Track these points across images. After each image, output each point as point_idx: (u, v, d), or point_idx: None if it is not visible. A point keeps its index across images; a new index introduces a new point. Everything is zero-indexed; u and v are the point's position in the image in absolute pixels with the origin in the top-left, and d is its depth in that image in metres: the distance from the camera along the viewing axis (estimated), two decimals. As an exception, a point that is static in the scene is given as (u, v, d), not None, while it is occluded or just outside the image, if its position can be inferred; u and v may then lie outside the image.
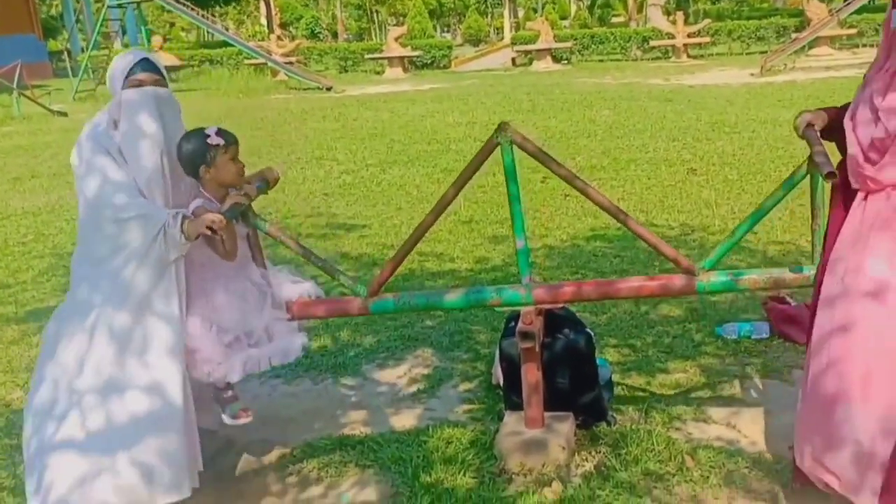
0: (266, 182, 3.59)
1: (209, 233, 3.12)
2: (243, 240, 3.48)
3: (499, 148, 3.31)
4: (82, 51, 34.35)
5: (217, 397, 3.50)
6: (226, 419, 3.49)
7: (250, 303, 3.43)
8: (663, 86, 19.18)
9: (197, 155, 3.27)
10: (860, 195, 2.87)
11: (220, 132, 3.30)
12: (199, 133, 3.29)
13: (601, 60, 29.63)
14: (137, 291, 3.15)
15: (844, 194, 2.93)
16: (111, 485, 3.09)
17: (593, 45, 30.98)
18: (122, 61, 3.27)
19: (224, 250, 3.33)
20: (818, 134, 3.02)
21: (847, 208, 2.91)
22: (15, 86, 22.19)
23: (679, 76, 21.34)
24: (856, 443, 2.70)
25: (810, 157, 2.99)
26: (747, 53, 27.87)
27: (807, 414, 2.91)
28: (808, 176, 3.12)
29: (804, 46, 23.70)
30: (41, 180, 11.62)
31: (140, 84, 3.20)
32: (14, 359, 5.09)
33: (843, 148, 2.96)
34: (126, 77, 3.21)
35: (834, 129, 2.98)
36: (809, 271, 3.21)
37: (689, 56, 27.42)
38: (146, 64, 3.24)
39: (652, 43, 29.19)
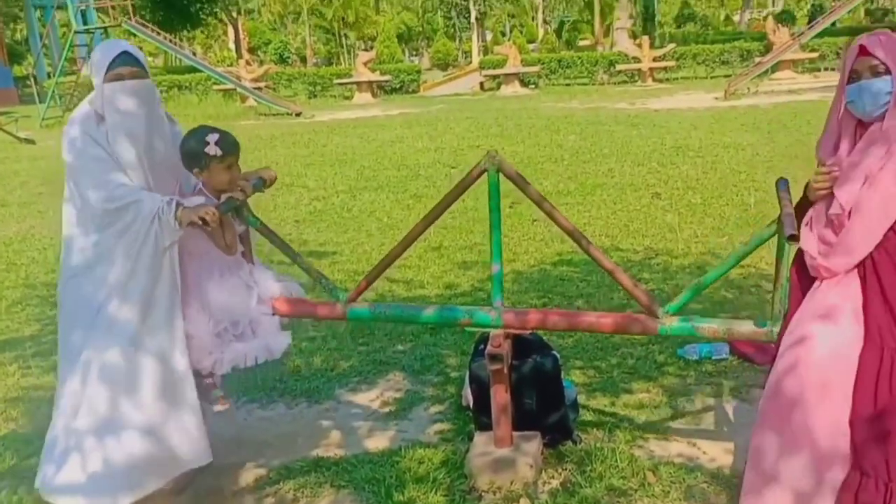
0: (263, 181, 3.68)
1: (200, 223, 3.24)
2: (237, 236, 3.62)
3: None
4: (48, 76, 34.05)
5: (198, 384, 3.57)
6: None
7: (237, 296, 3.57)
8: (629, 110, 19.51)
9: (193, 157, 3.39)
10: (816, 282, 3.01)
11: (220, 141, 3.38)
12: (201, 136, 3.39)
13: (568, 84, 30.03)
14: (137, 283, 3.26)
15: (803, 271, 3.07)
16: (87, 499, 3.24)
17: (560, 69, 31.45)
18: (102, 53, 3.31)
19: (225, 244, 3.48)
20: (790, 195, 3.11)
21: (805, 284, 3.05)
22: (-20, 113, 22.04)
23: (645, 100, 21.70)
24: (813, 446, 2.82)
25: (779, 217, 3.07)
26: (712, 77, 28.40)
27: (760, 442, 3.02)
28: (776, 234, 3.20)
29: (767, 70, 24.20)
30: (11, 209, 11.60)
31: (120, 78, 3.26)
32: (-11, 388, 5.13)
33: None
34: (107, 70, 3.27)
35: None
36: (768, 327, 3.27)
37: (654, 80, 27.90)
38: (126, 57, 3.28)
39: (618, 67, 29.64)
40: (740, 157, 11.77)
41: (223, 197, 3.45)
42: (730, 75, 25.49)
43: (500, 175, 3.37)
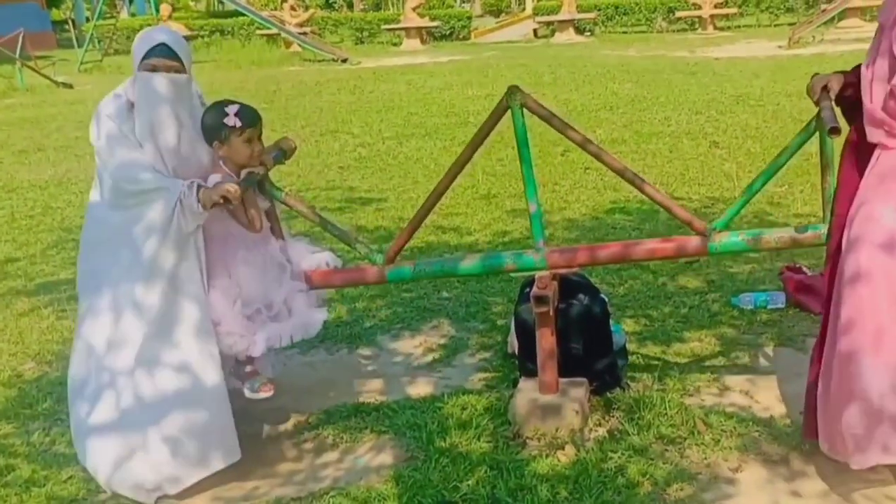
0: (283, 152, 3.57)
1: (222, 202, 3.12)
2: (262, 212, 3.48)
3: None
4: (87, 20, 33.72)
5: (237, 372, 3.53)
6: (247, 393, 3.52)
7: (269, 275, 3.44)
8: (688, 58, 18.97)
9: (212, 130, 3.27)
10: (875, 153, 2.84)
11: (240, 112, 3.26)
12: (220, 108, 3.27)
13: (625, 32, 29.34)
14: (161, 266, 3.16)
15: (856, 154, 2.93)
16: (144, 463, 3.18)
17: (617, 17, 30.64)
18: (141, 41, 3.20)
19: (246, 221, 3.34)
20: (829, 94, 3.00)
21: (859, 167, 2.89)
22: (17, 56, 21.47)
23: (705, 48, 21.08)
24: (865, 398, 2.71)
25: (817, 114, 2.99)
26: (775, 25, 27.43)
27: (822, 377, 2.91)
28: (817, 133, 3.11)
29: (833, 18, 23.31)
30: (47, 153, 11.54)
31: (153, 69, 3.14)
32: (24, 331, 5.13)
33: (850, 113, 2.98)
34: (142, 59, 3.15)
35: (846, 92, 2.98)
36: (820, 229, 3.19)
37: (715, 28, 27.02)
38: (163, 49, 3.14)
39: (678, 14, 28.76)
40: (803, 105, 11.33)
41: (243, 173, 3.31)
42: (794, 23, 24.63)
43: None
